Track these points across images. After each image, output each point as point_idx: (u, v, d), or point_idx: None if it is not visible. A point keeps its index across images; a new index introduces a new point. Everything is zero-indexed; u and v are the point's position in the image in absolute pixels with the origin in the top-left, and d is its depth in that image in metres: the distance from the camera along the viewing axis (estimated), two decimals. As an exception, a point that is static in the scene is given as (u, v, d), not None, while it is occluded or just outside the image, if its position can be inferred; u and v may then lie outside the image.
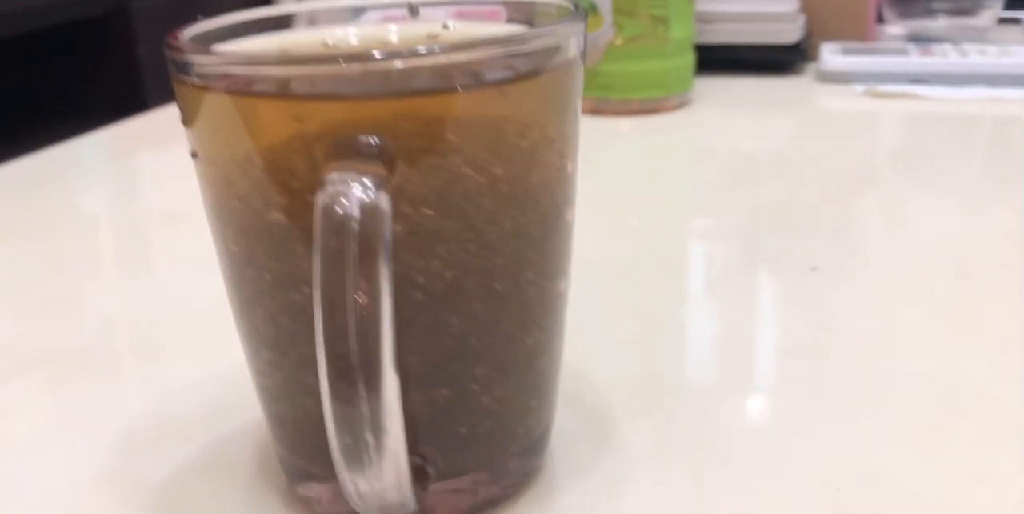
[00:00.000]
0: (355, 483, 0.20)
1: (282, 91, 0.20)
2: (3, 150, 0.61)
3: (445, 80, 0.20)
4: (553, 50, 0.22)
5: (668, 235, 0.47)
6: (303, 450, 0.25)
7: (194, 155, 0.22)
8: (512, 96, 0.21)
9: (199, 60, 0.21)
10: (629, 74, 0.63)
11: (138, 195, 0.59)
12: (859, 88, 0.68)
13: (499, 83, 0.21)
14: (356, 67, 0.19)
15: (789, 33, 0.70)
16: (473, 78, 0.20)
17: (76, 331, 0.39)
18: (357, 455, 0.19)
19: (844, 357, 0.34)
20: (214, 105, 0.21)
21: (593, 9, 0.62)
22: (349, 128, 0.20)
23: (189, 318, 0.39)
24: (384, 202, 0.18)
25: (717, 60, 0.71)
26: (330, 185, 0.18)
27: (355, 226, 0.18)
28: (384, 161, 0.19)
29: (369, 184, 0.18)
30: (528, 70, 0.21)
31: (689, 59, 0.65)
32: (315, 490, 0.26)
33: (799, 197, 0.50)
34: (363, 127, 0.20)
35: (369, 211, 0.18)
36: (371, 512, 0.21)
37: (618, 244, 0.45)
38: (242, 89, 0.21)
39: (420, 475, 0.24)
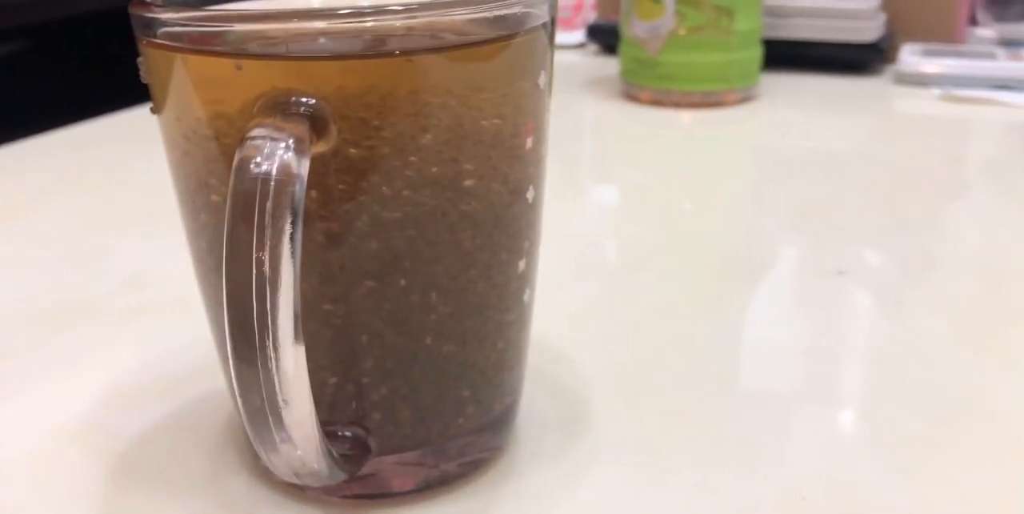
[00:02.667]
0: (264, 447, 0.20)
1: (228, 49, 0.20)
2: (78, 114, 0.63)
3: (384, 44, 0.20)
4: (507, 19, 0.21)
5: (700, 228, 0.45)
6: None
7: (153, 110, 0.23)
8: (457, 65, 0.20)
9: (158, 18, 0.21)
10: (690, 65, 0.62)
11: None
12: (936, 91, 0.65)
13: (442, 50, 0.20)
14: (291, 26, 0.19)
15: (867, 31, 0.68)
16: (414, 44, 0.20)
17: (93, 286, 0.40)
18: (263, 419, 0.19)
19: (847, 362, 0.33)
20: (166, 61, 0.21)
21: (655, -3, 0.60)
22: (285, 90, 0.19)
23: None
24: (300, 164, 0.18)
25: (789, 56, 0.69)
26: (250, 141, 0.18)
27: (265, 185, 0.18)
28: (314, 124, 0.19)
29: (290, 144, 0.18)
30: (477, 39, 0.20)
31: (755, 53, 0.64)
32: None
33: (849, 199, 0.48)
34: (300, 88, 0.19)
35: (282, 171, 0.18)
36: (289, 477, 0.21)
37: (649, 234, 0.44)
38: (190, 46, 0.20)
39: (361, 446, 0.24)
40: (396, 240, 0.21)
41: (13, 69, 1.20)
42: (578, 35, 0.81)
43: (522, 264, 0.24)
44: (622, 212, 0.50)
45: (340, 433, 0.23)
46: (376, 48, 0.20)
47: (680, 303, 0.37)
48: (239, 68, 0.19)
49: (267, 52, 0.20)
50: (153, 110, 0.23)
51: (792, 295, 0.38)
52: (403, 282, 0.22)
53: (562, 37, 0.81)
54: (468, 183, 0.21)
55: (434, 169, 0.21)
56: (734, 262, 0.42)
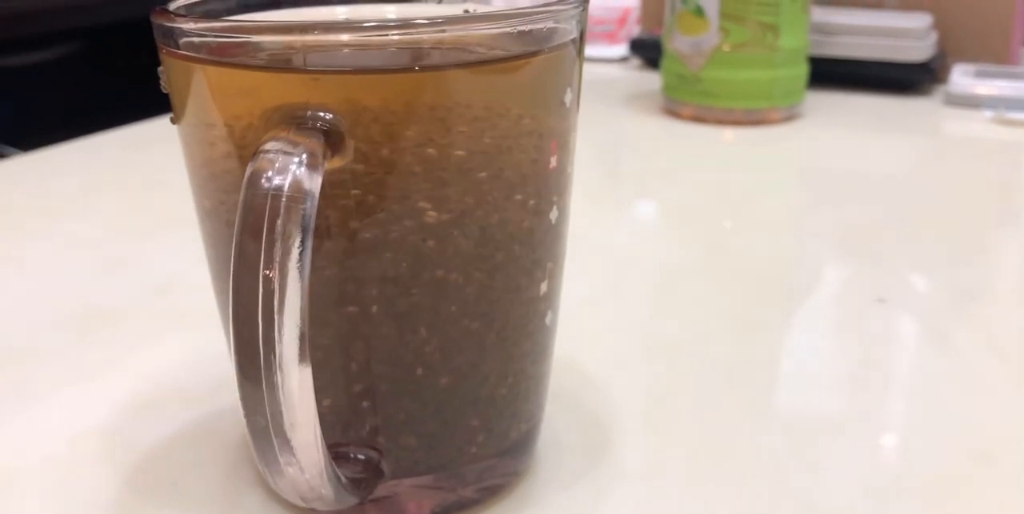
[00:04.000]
0: (269, 470, 0.19)
1: (249, 61, 0.20)
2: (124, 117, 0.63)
3: (402, 58, 0.19)
4: (534, 34, 0.20)
5: (739, 249, 0.44)
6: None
7: (173, 121, 0.22)
8: (479, 80, 0.20)
9: (178, 28, 0.21)
10: (733, 82, 0.61)
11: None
12: (988, 114, 0.63)
13: (462, 66, 0.19)
14: (308, 38, 0.18)
15: (918, 51, 0.66)
16: (432, 58, 0.19)
17: (125, 291, 0.39)
18: (268, 441, 0.18)
19: (884, 395, 0.31)
20: (187, 72, 0.21)
21: (699, 12, 0.59)
22: (302, 103, 0.19)
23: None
24: (312, 180, 0.18)
25: (836, 74, 0.67)
26: (263, 154, 0.18)
27: (276, 201, 0.17)
28: (328, 138, 0.18)
29: (303, 159, 0.18)
30: (499, 55, 0.20)
31: (800, 70, 0.62)
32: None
33: (893, 224, 0.47)
34: (315, 101, 0.19)
35: (294, 187, 0.17)
36: (295, 501, 0.20)
37: (687, 253, 0.43)
38: (209, 57, 0.20)
39: (373, 470, 0.23)
40: (361, 268, 0.20)
41: (63, 72, 1.22)
42: (621, 49, 0.80)
43: (544, 286, 0.23)
44: (660, 230, 0.49)
45: (352, 455, 0.23)
46: (396, 63, 0.20)
47: (715, 326, 0.36)
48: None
49: (284, 65, 0.19)
50: (173, 120, 0.22)
51: (830, 323, 0.37)
52: (374, 309, 0.21)
53: (605, 50, 0.80)
54: (432, 215, 0.21)
55: (416, 204, 0.20)
56: (772, 285, 0.41)
